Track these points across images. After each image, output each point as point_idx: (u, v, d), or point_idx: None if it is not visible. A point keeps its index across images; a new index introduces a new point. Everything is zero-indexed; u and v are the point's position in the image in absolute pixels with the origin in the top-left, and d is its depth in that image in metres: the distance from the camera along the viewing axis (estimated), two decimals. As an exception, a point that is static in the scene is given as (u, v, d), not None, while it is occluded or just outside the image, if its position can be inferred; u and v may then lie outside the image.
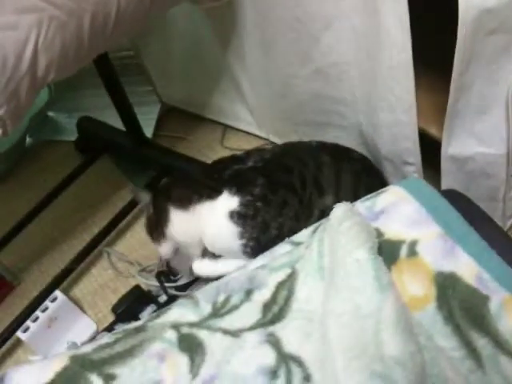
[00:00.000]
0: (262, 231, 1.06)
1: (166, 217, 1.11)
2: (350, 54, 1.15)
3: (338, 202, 1.06)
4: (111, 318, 1.30)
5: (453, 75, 0.92)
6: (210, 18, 1.45)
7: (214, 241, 1.11)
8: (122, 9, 0.88)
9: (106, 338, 0.72)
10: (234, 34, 1.42)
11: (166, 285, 1.29)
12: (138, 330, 0.72)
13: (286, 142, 1.26)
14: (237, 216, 1.06)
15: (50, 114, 1.90)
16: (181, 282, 1.31)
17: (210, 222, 1.09)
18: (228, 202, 1.07)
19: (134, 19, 0.96)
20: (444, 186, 1.14)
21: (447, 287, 0.70)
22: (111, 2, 0.86)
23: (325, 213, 1.01)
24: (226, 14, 1.35)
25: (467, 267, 0.71)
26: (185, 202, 1.10)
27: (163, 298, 1.29)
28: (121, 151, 1.66)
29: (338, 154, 1.19)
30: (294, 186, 1.09)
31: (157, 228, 1.14)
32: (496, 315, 0.67)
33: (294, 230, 0.92)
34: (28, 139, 1.84)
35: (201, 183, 1.12)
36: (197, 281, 1.34)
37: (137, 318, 1.26)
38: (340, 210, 0.74)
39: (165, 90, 1.76)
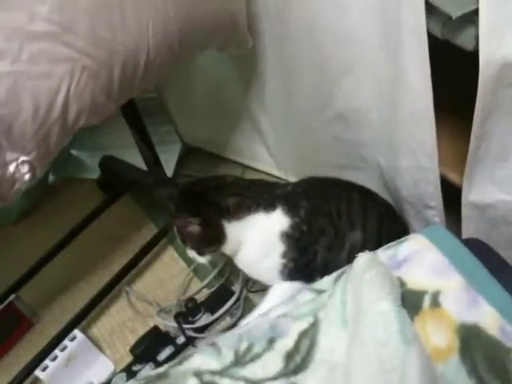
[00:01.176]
0: (301, 254, 1.09)
1: (220, 231, 1.09)
2: (371, 99, 1.16)
3: (365, 239, 1.12)
4: (129, 358, 1.31)
5: (473, 125, 0.93)
6: (233, 61, 1.48)
7: (255, 253, 1.12)
8: (151, 59, 0.91)
9: (129, 385, 0.72)
10: (256, 78, 1.45)
11: (184, 326, 1.30)
12: (160, 376, 0.72)
13: (317, 176, 1.27)
14: (286, 235, 1.09)
15: (73, 152, 1.93)
16: (199, 324, 1.31)
17: (257, 234, 1.10)
18: (281, 220, 1.09)
19: (162, 68, 0.99)
20: (465, 232, 1.14)
21: (470, 339, 0.69)
22: (141, 53, 0.89)
23: (354, 248, 1.04)
24: (249, 58, 1.38)
25: (490, 319, 0.71)
26: (242, 211, 1.09)
27: (181, 340, 1.29)
28: (142, 190, 1.68)
29: (365, 193, 1.22)
30: (332, 215, 1.12)
31: (207, 242, 1.12)
32: (520, 368, 0.66)
33: (326, 260, 0.94)
34: (51, 177, 1.86)
35: (256, 194, 1.12)
36: (215, 322, 1.34)
37: (155, 359, 1.26)
38: (363, 258, 0.75)
39: (186, 130, 1.79)
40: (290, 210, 1.10)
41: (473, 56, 0.85)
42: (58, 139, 0.89)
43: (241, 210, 1.09)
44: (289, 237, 1.09)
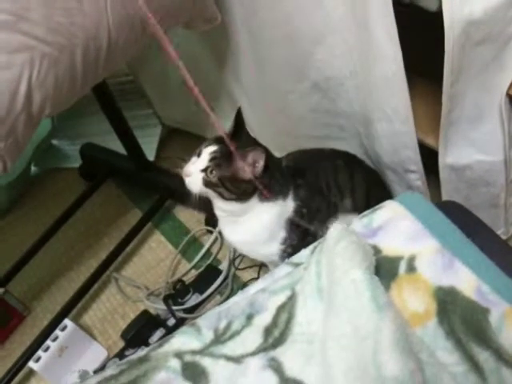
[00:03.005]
0: (300, 239, 1.08)
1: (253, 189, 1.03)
2: (345, 67, 1.15)
3: (355, 205, 1.12)
4: (121, 343, 1.31)
5: (444, 86, 0.92)
6: (205, 38, 1.46)
7: (259, 237, 1.09)
8: (113, 40, 0.89)
9: (111, 370, 0.72)
10: (230, 54, 1.43)
11: (174, 308, 1.30)
12: (142, 360, 0.72)
13: (299, 150, 1.25)
14: (289, 222, 1.08)
15: (54, 142, 1.92)
16: (188, 305, 1.32)
17: (270, 219, 1.06)
18: (290, 206, 1.07)
19: (127, 49, 0.97)
20: (444, 194, 1.14)
21: (447, 302, 0.70)
22: (102, 35, 0.87)
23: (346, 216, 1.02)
24: (221, 34, 1.36)
25: (466, 280, 0.71)
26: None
27: (172, 322, 1.30)
28: (124, 176, 1.67)
29: (349, 159, 1.22)
30: (322, 189, 1.11)
31: (243, 186, 1.03)
32: (497, 328, 0.67)
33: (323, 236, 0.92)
34: (33, 168, 1.86)
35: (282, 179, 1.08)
36: (204, 302, 1.34)
37: (147, 343, 1.27)
38: (336, 229, 0.74)
39: (165, 112, 1.77)
40: (294, 193, 1.08)
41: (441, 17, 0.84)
42: (26, 130, 0.87)
43: (276, 192, 1.06)
44: (292, 223, 1.08)
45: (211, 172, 1.00)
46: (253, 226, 1.08)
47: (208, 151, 1.02)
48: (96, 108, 1.45)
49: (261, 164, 1.00)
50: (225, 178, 1.00)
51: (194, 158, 1.04)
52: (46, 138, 1.83)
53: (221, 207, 1.07)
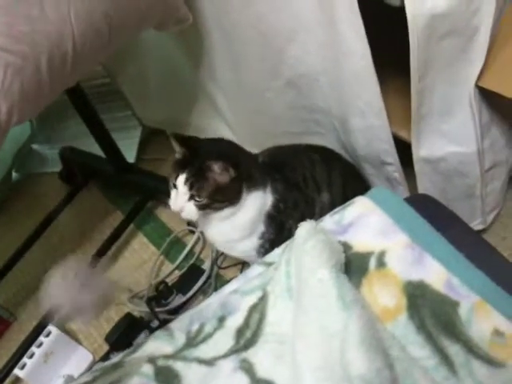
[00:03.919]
0: (278, 234, 1.08)
1: (240, 192, 1.04)
2: (317, 64, 1.15)
3: (332, 199, 1.12)
4: (107, 347, 1.31)
5: (411, 81, 0.92)
6: (180, 39, 1.45)
7: (241, 231, 1.08)
8: (79, 46, 0.89)
9: (85, 377, 0.72)
10: (204, 53, 1.42)
11: (157, 310, 1.30)
12: (116, 366, 0.73)
13: (275, 146, 1.25)
14: (268, 215, 1.07)
15: (34, 146, 1.91)
16: (172, 306, 1.32)
17: (251, 213, 1.06)
18: (269, 199, 1.07)
19: (94, 54, 0.96)
20: (420, 187, 1.14)
21: (417, 296, 0.70)
22: (66, 42, 0.86)
23: (324, 211, 1.01)
24: (194, 35, 1.36)
25: (436, 274, 0.72)
26: (256, 184, 1.06)
27: (155, 323, 1.30)
28: (104, 178, 1.67)
29: (326, 153, 1.22)
30: (299, 184, 1.11)
31: (224, 195, 1.03)
32: (466, 321, 0.67)
33: None
34: (14, 174, 1.85)
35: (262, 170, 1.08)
36: (188, 302, 1.34)
37: (131, 345, 1.26)
38: (304, 228, 0.75)
39: (144, 113, 1.77)
40: (272, 187, 1.08)
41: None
42: (-6, 141, 0.87)
43: (257, 182, 1.06)
44: (269, 217, 1.08)
45: (199, 196, 1.01)
46: (238, 220, 1.07)
47: (181, 181, 1.02)
48: (75, 111, 1.44)
49: (230, 168, 1.00)
50: (212, 194, 1.01)
51: (173, 192, 1.04)
52: (25, 143, 1.82)
53: (217, 218, 1.06)
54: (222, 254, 1.40)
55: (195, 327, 0.74)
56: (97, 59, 1.01)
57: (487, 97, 0.97)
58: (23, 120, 0.91)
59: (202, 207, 1.01)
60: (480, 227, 1.20)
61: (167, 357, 0.72)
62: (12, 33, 0.80)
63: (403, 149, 1.13)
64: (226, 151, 1.05)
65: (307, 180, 1.12)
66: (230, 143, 1.11)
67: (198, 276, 1.38)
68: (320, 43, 1.10)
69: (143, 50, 1.56)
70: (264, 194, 1.07)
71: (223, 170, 1.00)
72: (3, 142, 0.92)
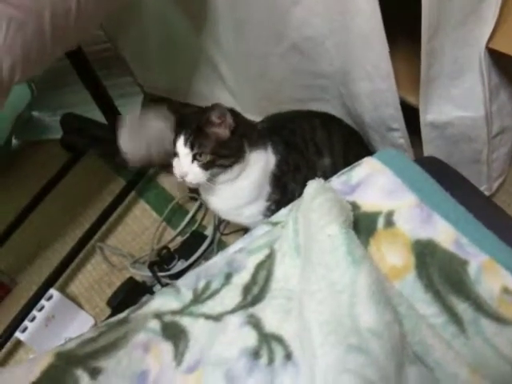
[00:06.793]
0: (283, 194, 1.08)
1: (243, 147, 1.03)
2: (323, 26, 1.13)
3: (334, 162, 1.11)
4: (108, 311, 1.31)
5: (422, 42, 0.91)
6: (182, 3, 1.43)
7: (248, 196, 1.07)
8: (83, 2, 0.87)
9: (90, 333, 0.72)
10: (207, 18, 1.40)
11: (159, 274, 1.30)
12: (121, 322, 0.72)
13: (276, 113, 1.24)
14: (273, 175, 1.07)
15: (35, 113, 1.88)
16: (174, 271, 1.31)
17: (257, 173, 1.05)
18: (272, 159, 1.07)
19: (97, 11, 0.94)
20: (426, 153, 1.13)
21: (426, 255, 0.70)
22: (69, -3, 0.84)
23: (326, 175, 1.01)
24: (198, -1, 1.34)
25: (445, 233, 0.71)
26: (259, 142, 1.06)
27: (158, 288, 1.30)
28: (105, 145, 1.65)
29: (327, 118, 1.21)
30: (300, 147, 1.10)
31: (228, 150, 1.01)
32: (475, 279, 0.67)
33: None
34: (14, 141, 1.82)
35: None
36: (190, 267, 1.34)
37: (133, 310, 1.27)
38: (312, 186, 0.74)
39: (146, 80, 1.74)
40: (273, 148, 1.07)
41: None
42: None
43: (258, 142, 1.05)
44: (275, 177, 1.07)
45: (200, 155, 0.99)
46: (245, 182, 1.06)
47: (181, 144, 1.00)
48: (76, 77, 1.42)
49: (227, 115, 0.99)
50: (215, 148, 0.99)
51: (176, 160, 1.02)
52: (25, 109, 1.79)
53: (224, 181, 1.04)
54: (224, 220, 1.40)
55: (202, 284, 0.74)
56: (100, 17, 0.99)
57: (497, 59, 0.96)
58: (25, 78, 0.89)
59: (206, 166, 0.99)
60: (485, 194, 1.19)
61: (174, 313, 0.72)
62: (15, -15, 0.78)
63: (409, 116, 1.12)
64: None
65: (307, 143, 1.12)
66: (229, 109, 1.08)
67: (200, 242, 1.37)
68: (327, 3, 1.08)
69: (145, 14, 1.54)
70: (266, 153, 1.06)
71: (221, 119, 0.98)
72: (6, 100, 0.90)
